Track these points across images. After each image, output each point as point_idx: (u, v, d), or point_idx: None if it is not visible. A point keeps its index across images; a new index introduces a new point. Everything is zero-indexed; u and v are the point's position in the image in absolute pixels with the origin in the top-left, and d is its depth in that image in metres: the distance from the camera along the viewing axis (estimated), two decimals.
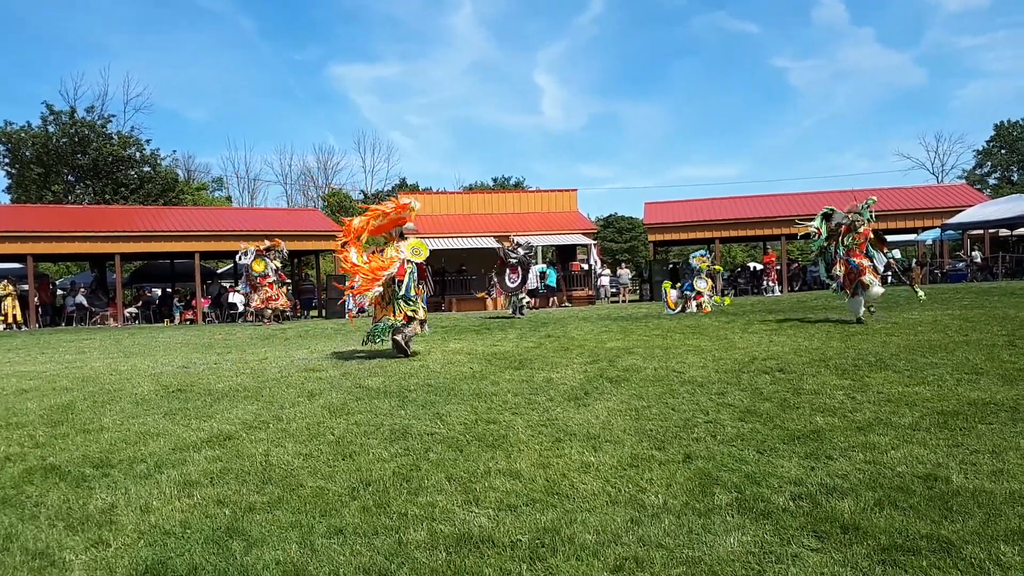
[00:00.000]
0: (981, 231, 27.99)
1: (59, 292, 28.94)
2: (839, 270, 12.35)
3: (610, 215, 55.66)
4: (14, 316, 23.59)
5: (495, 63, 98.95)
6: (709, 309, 17.62)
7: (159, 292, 32.11)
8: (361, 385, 7.94)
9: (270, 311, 20.98)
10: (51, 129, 40.10)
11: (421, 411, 6.43)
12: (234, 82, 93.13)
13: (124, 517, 4.02)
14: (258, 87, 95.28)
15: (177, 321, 26.10)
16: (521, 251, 18.04)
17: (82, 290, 26.47)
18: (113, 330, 22.08)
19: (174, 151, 79.08)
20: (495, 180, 66.02)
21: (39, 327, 24.26)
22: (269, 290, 20.87)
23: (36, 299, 25.03)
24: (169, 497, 4.33)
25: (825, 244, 12.77)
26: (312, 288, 30.52)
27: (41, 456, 5.41)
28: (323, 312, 21.94)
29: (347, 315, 19.51)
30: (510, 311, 17.79)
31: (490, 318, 18.86)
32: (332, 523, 3.77)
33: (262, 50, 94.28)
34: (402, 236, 10.41)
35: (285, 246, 21.92)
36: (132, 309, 27.55)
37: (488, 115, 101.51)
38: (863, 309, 12.04)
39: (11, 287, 23.98)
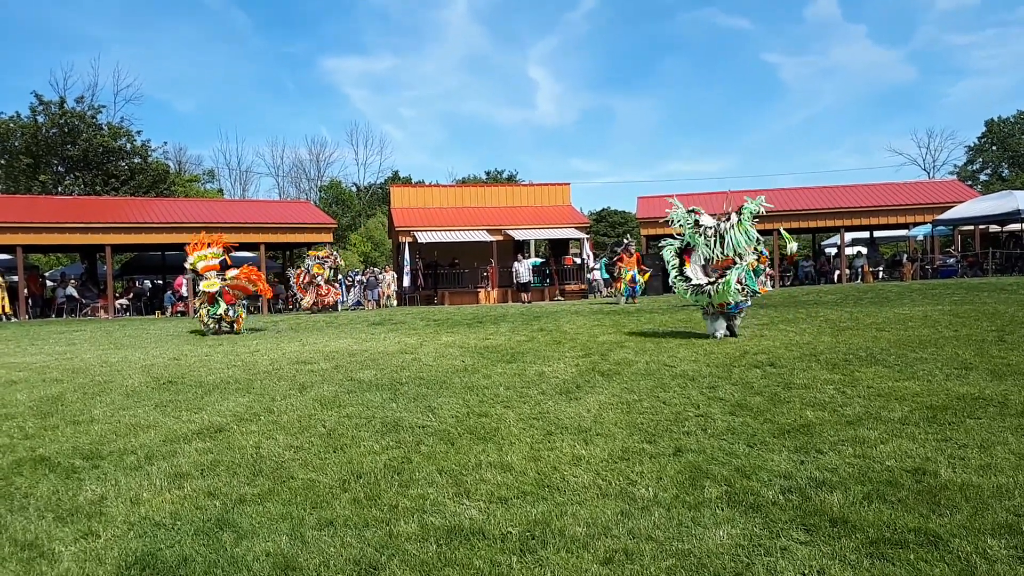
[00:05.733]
0: (972, 227, 28.13)
1: (49, 283, 28.68)
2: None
3: (603, 209, 55.88)
4: (3, 307, 23.40)
5: (487, 57, 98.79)
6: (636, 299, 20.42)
7: (150, 284, 31.94)
8: (352, 378, 7.93)
9: (320, 305, 23.90)
10: (40, 119, 39.63)
11: (413, 404, 6.43)
12: (226, 74, 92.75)
13: (114, 508, 4.00)
14: (250, 79, 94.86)
15: (168, 313, 25.99)
16: (631, 248, 21.93)
17: (72, 281, 26.26)
18: (103, 322, 21.96)
19: (165, 143, 78.46)
20: (488, 173, 65.99)
21: (29, 319, 24.08)
22: (321, 289, 23.96)
23: (25, 290, 24.82)
24: (159, 489, 4.32)
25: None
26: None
27: (31, 447, 5.39)
28: (314, 306, 22.10)
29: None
30: (619, 299, 21.30)
31: (601, 305, 21.02)
32: (323, 515, 3.77)
33: (253, 43, 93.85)
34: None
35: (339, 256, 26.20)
36: (123, 301, 27.42)
37: (481, 109, 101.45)
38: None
39: (0, 278, 23.78)
